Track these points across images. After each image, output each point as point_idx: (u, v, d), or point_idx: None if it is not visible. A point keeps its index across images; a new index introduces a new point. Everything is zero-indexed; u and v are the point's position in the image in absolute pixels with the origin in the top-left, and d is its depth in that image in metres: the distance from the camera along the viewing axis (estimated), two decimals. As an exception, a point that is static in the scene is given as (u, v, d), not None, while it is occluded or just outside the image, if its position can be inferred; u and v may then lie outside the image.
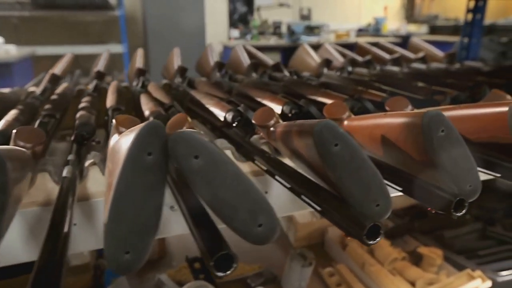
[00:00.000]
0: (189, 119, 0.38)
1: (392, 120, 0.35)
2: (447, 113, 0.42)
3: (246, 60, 1.01)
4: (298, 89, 0.71)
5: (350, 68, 1.03)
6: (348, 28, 3.99)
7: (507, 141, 0.35)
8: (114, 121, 0.37)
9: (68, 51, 1.05)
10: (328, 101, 0.63)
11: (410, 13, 4.98)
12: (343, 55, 1.13)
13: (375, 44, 1.28)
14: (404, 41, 4.03)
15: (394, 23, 4.80)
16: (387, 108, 0.51)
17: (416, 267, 0.85)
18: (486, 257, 0.89)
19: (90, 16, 3.45)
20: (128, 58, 3.30)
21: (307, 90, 0.68)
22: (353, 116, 0.46)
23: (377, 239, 0.25)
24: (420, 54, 1.12)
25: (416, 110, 0.48)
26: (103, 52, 1.00)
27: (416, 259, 0.90)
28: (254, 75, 0.96)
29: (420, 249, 0.89)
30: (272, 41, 3.29)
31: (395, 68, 0.99)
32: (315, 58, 1.07)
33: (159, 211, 0.23)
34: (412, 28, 4.73)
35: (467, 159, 0.32)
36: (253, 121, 0.43)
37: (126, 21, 3.71)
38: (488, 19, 3.69)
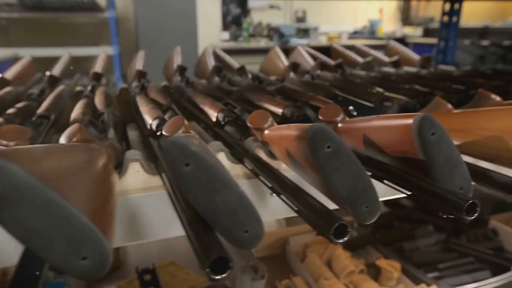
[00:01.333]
0: (82, 128, 0.36)
1: (291, 132, 0.32)
2: (363, 124, 0.39)
3: (211, 64, 0.98)
4: (248, 95, 0.69)
5: (318, 72, 1.01)
6: (341, 30, 3.96)
7: (415, 156, 0.32)
8: (-3, 132, 0.34)
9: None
10: (271, 108, 0.60)
11: (406, 16, 4.95)
12: (315, 58, 1.10)
13: (351, 47, 1.25)
14: (401, 43, 3.99)
15: (390, 26, 4.77)
16: (319, 117, 0.48)
17: (373, 281, 0.82)
18: (446, 270, 0.85)
19: (81, 18, 3.43)
20: (118, 60, 3.28)
21: (256, 96, 0.66)
22: (274, 126, 0.43)
23: (224, 274, 0.22)
24: (394, 58, 1.09)
25: (347, 119, 0.45)
26: (64, 54, 0.97)
27: (377, 272, 0.87)
28: (217, 79, 0.93)
29: (379, 262, 0.85)
30: (263, 43, 3.27)
31: (362, 72, 0.96)
32: (284, 61, 1.04)
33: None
34: (408, 30, 4.70)
35: (361, 177, 0.29)
36: (163, 133, 0.40)
37: (119, 23, 3.69)
38: (486, 22, 3.67)
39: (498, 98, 0.51)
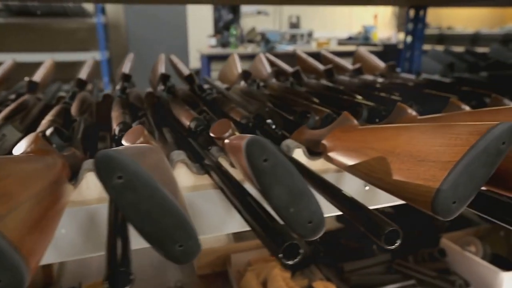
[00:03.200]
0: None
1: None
2: (235, 143, 0.35)
3: (160, 71, 0.95)
4: (172, 106, 0.65)
5: (274, 80, 0.97)
6: (335, 36, 3.93)
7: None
8: None
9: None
10: (183, 119, 0.56)
11: (401, 22, 4.91)
12: (274, 66, 1.07)
13: (316, 55, 1.21)
14: (393, 49, 3.96)
15: (386, 32, 4.74)
16: (210, 133, 0.44)
17: (307, 304, 0.77)
18: (386, 294, 0.80)
19: (69, 24, 3.42)
20: (106, 65, 3.26)
21: (176, 108, 0.62)
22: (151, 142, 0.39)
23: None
24: (356, 66, 1.05)
25: (232, 137, 0.41)
26: (6, 61, 0.94)
27: (317, 293, 0.82)
28: (162, 87, 0.89)
29: (316, 284, 0.80)
30: (250, 49, 3.23)
31: (313, 81, 0.92)
32: (238, 69, 1.01)
33: None
34: (403, 36, 4.65)
35: (169, 212, 0.24)
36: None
37: (110, 29, 3.68)
38: (484, 28, 3.61)
39: (414, 113, 0.46)
